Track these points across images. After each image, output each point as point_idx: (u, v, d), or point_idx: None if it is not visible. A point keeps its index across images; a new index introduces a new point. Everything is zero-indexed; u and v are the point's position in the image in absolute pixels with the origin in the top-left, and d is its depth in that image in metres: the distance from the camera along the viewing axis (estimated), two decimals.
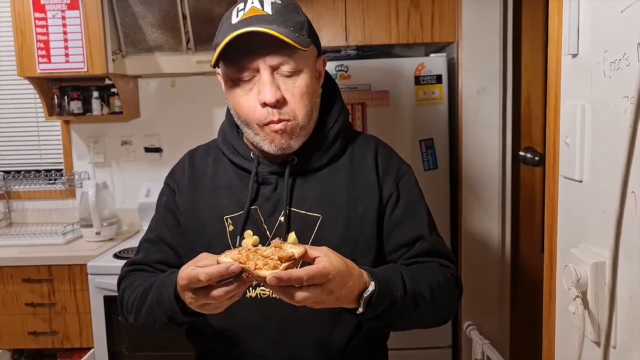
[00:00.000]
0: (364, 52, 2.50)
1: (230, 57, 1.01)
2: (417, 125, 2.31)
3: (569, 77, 0.98)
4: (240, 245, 1.05)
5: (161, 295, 0.97)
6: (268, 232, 1.07)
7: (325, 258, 0.83)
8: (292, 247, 0.85)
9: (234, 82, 1.03)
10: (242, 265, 0.80)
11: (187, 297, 0.87)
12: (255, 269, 0.79)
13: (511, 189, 2.35)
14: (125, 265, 1.17)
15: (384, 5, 2.29)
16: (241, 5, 1.03)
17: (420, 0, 2.28)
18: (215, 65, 1.02)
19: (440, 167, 2.32)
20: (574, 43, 0.94)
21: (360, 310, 0.89)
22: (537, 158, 2.32)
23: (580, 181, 0.93)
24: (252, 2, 1.02)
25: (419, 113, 2.30)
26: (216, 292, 0.83)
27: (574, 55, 0.94)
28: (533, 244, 2.42)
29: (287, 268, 0.80)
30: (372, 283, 0.90)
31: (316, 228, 1.06)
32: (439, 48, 2.49)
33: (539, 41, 2.31)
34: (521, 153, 2.37)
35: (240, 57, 1.00)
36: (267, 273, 0.78)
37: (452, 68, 2.35)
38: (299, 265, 0.83)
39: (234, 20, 1.01)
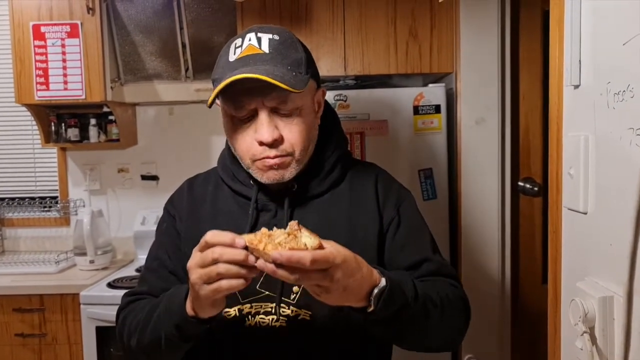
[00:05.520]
0: (363, 82, 2.51)
1: (228, 96, 1.00)
2: (415, 155, 2.30)
3: (571, 108, 0.97)
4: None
5: (171, 304, 0.94)
6: None
7: (332, 246, 0.81)
8: (307, 236, 0.82)
9: (231, 118, 1.03)
10: (252, 246, 0.79)
11: (195, 276, 0.83)
12: (264, 250, 0.78)
13: (510, 219, 2.33)
14: (125, 295, 1.13)
15: (382, 36, 2.31)
16: (238, 42, 1.02)
17: (418, 32, 2.30)
18: (211, 105, 1.01)
19: (439, 196, 2.31)
20: (576, 74, 0.93)
21: (372, 307, 0.86)
22: (536, 188, 2.32)
23: (585, 213, 0.91)
24: (250, 40, 1.01)
25: (417, 143, 2.30)
26: (222, 267, 0.80)
27: (576, 87, 0.94)
28: (533, 275, 2.39)
29: None
30: (383, 279, 0.87)
31: None
32: (437, 78, 2.51)
33: (537, 72, 2.33)
34: (520, 183, 2.37)
35: (238, 97, 0.99)
36: (274, 252, 0.77)
37: (451, 98, 2.36)
38: None
39: (231, 57, 1.00)
